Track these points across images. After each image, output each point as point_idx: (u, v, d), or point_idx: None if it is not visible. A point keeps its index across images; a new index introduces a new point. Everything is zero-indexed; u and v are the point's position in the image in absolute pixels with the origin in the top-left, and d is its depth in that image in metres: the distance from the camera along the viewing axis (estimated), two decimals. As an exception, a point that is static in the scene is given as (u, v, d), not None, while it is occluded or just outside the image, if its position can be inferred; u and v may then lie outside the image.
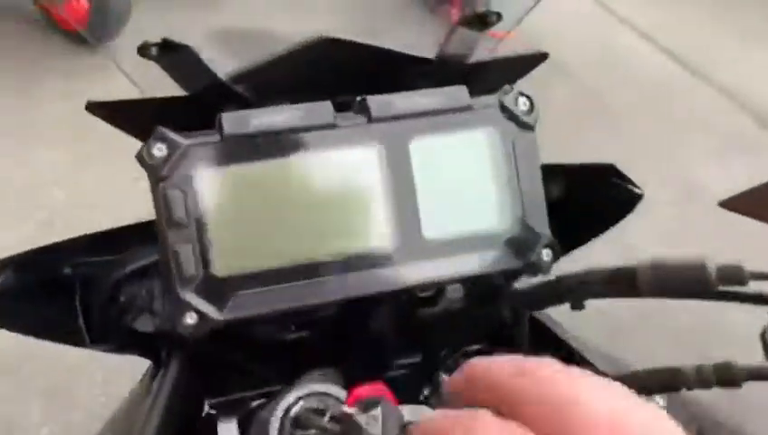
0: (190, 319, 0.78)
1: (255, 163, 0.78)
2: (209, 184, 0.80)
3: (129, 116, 0.85)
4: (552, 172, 0.91)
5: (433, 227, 0.80)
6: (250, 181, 0.77)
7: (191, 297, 0.79)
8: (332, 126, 0.84)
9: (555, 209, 0.89)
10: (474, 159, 0.85)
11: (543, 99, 0.93)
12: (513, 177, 0.89)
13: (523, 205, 0.90)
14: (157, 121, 0.82)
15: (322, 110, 0.84)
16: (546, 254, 0.91)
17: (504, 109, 0.89)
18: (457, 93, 0.89)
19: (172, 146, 0.79)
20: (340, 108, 0.86)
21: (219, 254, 0.76)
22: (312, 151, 0.79)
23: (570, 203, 0.96)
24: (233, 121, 0.81)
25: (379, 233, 0.78)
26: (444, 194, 0.82)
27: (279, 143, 0.82)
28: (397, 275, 0.79)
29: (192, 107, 0.86)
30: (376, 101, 0.86)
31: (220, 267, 0.76)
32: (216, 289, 0.76)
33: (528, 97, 0.92)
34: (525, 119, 0.90)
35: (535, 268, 0.90)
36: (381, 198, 0.79)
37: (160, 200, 0.78)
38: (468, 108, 0.88)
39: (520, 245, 0.84)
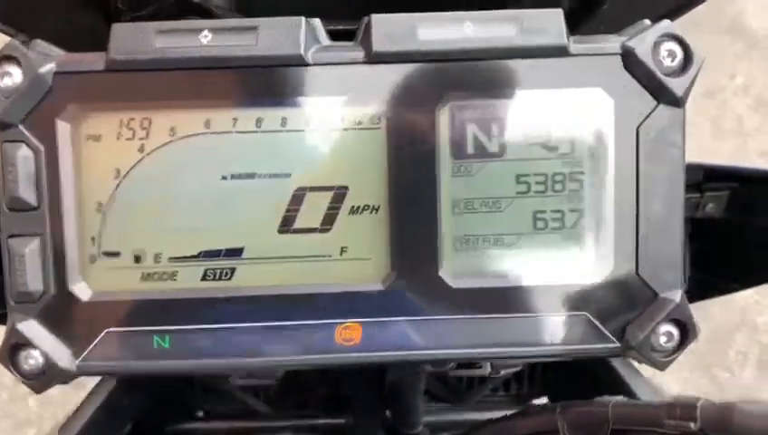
0: (29, 361, 0.47)
1: (161, 115, 0.51)
2: (81, 142, 0.50)
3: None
4: (708, 179, 0.63)
5: (463, 268, 0.52)
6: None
7: (31, 328, 0.47)
8: (301, 62, 0.46)
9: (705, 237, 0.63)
10: (557, 147, 0.52)
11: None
12: (627, 189, 0.51)
13: (637, 241, 0.50)
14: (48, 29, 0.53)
15: (290, 30, 0.46)
16: (666, 333, 0.49)
17: (629, 60, 0.46)
18: (545, 22, 0.47)
19: (28, 71, 0.46)
20: (337, 35, 0.51)
21: (87, 261, 0.51)
22: (262, 106, 0.51)
23: (732, 230, 0.67)
24: (127, 38, 0.46)
25: (371, 265, 0.52)
26: (489, 213, 0.52)
27: (203, 85, 0.50)
28: (390, 339, 0.52)
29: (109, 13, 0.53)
30: (386, 25, 0.47)
31: (86, 285, 0.51)
32: (75, 319, 0.51)
33: (680, 42, 0.48)
34: (669, 83, 0.47)
35: (641, 356, 0.49)
36: (380, 209, 0.51)
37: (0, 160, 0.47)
38: (563, 51, 0.47)
39: (619, 312, 0.52)
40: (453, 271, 0.52)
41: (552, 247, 0.52)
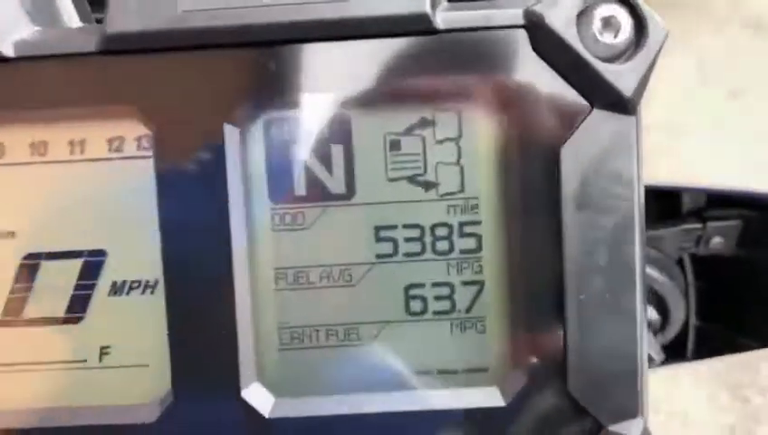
0: None
1: None
2: None
3: None
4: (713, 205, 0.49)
5: (287, 384, 0.33)
6: None
7: None
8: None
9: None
10: (436, 183, 0.33)
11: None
12: (551, 249, 0.29)
13: (566, 338, 0.28)
14: None
15: None
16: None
17: (540, 36, 0.26)
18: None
19: None
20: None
21: None
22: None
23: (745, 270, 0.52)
24: None
25: (147, 378, 0.33)
26: (334, 288, 0.33)
27: None
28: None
29: None
30: None
31: None
32: None
33: (628, 5, 0.27)
34: (608, 73, 0.27)
35: None
36: (158, 286, 0.33)
37: None
38: (424, 23, 0.26)
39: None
40: (269, 388, 0.32)
41: (435, 345, 0.32)
